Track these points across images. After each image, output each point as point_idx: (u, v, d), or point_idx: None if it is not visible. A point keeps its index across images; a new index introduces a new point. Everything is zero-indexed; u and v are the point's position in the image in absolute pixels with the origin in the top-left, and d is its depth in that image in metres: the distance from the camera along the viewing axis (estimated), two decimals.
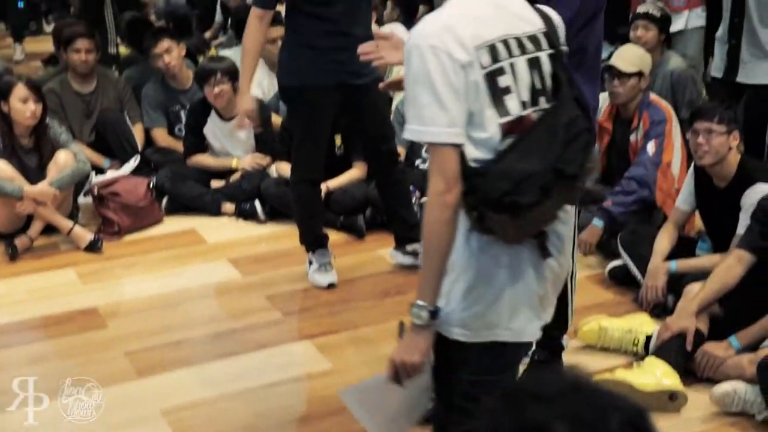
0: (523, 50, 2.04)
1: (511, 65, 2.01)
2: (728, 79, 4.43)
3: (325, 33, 3.78)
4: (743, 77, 4.38)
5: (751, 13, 4.31)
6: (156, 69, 5.54)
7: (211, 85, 5.00)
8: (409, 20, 6.27)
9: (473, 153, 1.97)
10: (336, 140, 4.83)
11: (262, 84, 5.69)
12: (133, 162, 5.07)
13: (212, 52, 6.92)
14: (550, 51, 2.08)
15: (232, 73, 5.04)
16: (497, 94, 1.98)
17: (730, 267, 3.38)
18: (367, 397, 2.22)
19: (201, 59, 6.23)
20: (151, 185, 4.96)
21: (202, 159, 5.21)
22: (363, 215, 4.74)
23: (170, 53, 5.43)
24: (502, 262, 2.04)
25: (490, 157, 1.97)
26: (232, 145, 5.20)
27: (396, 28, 5.13)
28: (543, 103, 2.05)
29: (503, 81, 1.99)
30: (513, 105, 2.00)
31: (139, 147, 5.35)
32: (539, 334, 2.16)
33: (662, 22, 4.98)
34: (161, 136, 5.51)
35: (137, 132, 5.39)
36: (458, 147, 1.95)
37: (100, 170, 5.11)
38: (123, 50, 7.16)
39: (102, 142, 5.31)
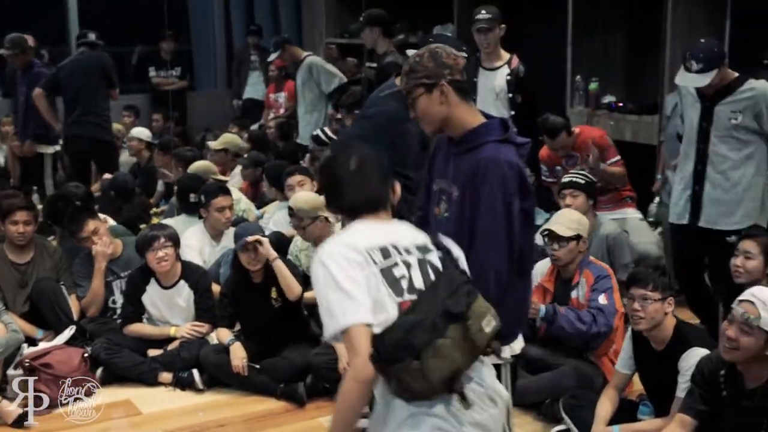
0: (411, 253, 2.43)
1: (404, 261, 2.40)
2: (691, 223, 4.58)
3: None
4: (705, 223, 4.52)
5: (713, 159, 4.47)
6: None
7: (155, 249, 4.96)
8: None
9: (377, 331, 2.28)
10: (272, 293, 4.81)
11: (203, 252, 5.68)
12: (68, 332, 4.94)
13: (154, 220, 6.92)
14: (439, 253, 2.47)
15: (174, 240, 5.04)
16: (393, 281, 2.36)
17: None
18: None
19: (142, 227, 6.21)
20: (86, 355, 4.83)
21: (140, 328, 5.10)
22: (303, 383, 4.65)
23: (97, 233, 5.33)
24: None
25: None
26: (171, 314, 5.13)
27: None
28: None
29: (397, 272, 2.37)
30: (408, 289, 2.36)
31: (75, 317, 5.24)
32: None
33: (588, 187, 5.10)
34: None
35: (73, 302, 5.29)
36: (367, 326, 2.26)
37: (32, 342, 4.97)
38: None
39: (36, 312, 5.19)
